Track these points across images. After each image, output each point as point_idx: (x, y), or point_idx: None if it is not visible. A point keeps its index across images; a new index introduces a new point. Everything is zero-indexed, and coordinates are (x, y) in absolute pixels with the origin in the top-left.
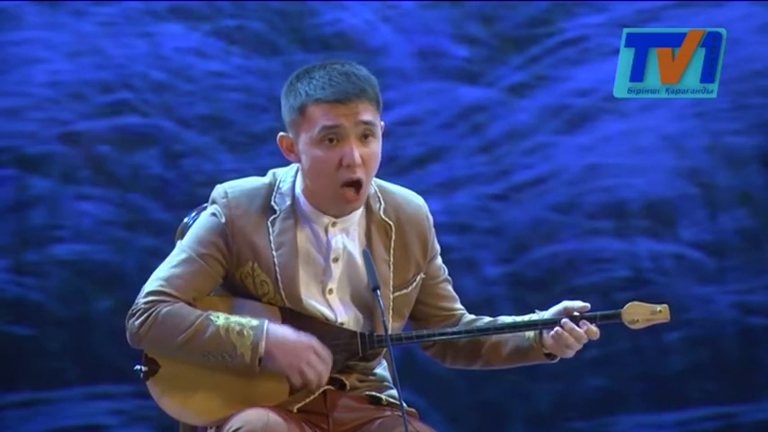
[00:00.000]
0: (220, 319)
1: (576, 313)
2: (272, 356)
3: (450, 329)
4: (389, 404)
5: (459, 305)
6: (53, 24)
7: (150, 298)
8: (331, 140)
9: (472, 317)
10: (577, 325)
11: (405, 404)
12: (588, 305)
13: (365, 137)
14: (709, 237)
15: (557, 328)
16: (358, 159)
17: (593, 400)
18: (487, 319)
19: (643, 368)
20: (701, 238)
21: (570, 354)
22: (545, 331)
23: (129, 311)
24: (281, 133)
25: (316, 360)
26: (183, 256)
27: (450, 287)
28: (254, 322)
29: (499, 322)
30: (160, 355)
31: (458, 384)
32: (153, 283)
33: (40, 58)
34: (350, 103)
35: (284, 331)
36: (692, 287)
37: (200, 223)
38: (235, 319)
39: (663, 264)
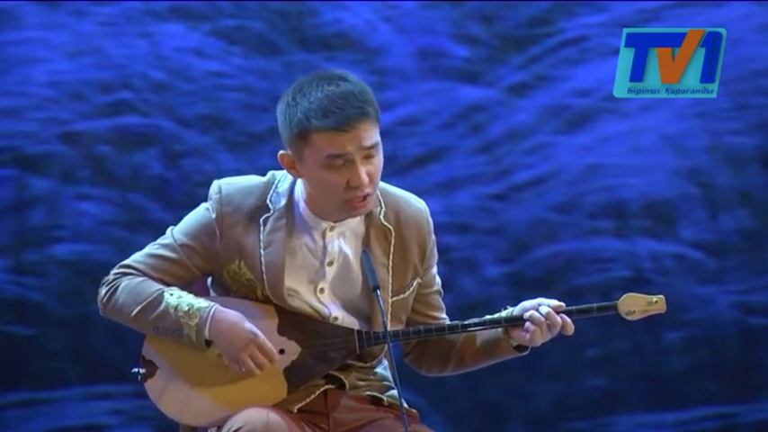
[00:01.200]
0: (173, 297)
1: (571, 307)
2: (216, 341)
3: (446, 325)
4: (391, 405)
5: (444, 315)
6: (53, 24)
7: (119, 270)
8: (337, 164)
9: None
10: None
11: (406, 404)
12: (563, 304)
13: (370, 155)
14: (710, 237)
15: (533, 315)
16: (366, 180)
17: (593, 400)
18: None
19: (643, 368)
20: (701, 238)
21: (538, 342)
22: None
23: (102, 281)
24: (282, 152)
25: (255, 352)
26: (167, 241)
27: (440, 299)
28: (203, 304)
29: (480, 319)
30: (119, 320)
31: (458, 384)
32: (129, 258)
33: (40, 58)
34: (353, 130)
35: (230, 318)
36: (692, 287)
37: (193, 215)
38: (187, 299)
39: (663, 264)
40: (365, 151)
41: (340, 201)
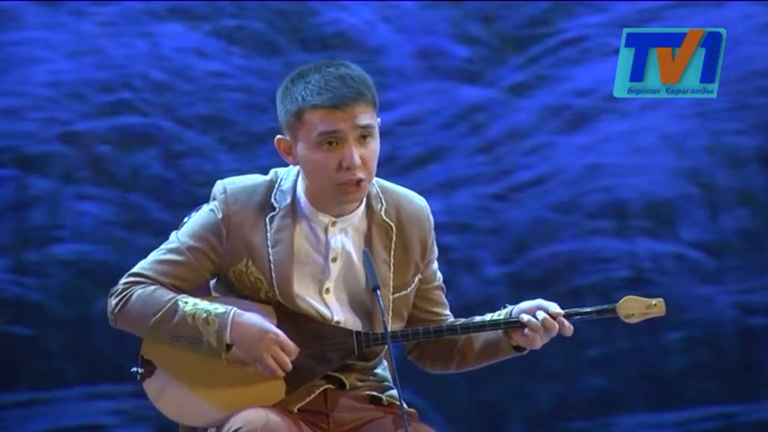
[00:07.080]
0: (188, 305)
1: (570, 311)
2: (237, 344)
3: (446, 326)
4: (390, 404)
5: (447, 311)
6: (53, 24)
7: (129, 279)
8: (330, 143)
9: (455, 321)
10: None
11: (405, 404)
12: (561, 312)
13: (363, 137)
14: (710, 237)
15: (530, 322)
16: (358, 161)
17: (593, 400)
18: (464, 320)
19: (643, 368)
20: (701, 238)
21: (537, 346)
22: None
23: (110, 291)
24: (279, 136)
25: (278, 352)
26: (173, 245)
27: (442, 294)
28: (221, 309)
29: (480, 319)
30: (132, 330)
31: (458, 384)
32: (136, 266)
33: (40, 58)
34: (347, 108)
35: (250, 320)
36: (692, 287)
37: (198, 217)
38: (203, 305)
39: (663, 264)
40: (359, 130)
41: (332, 185)
